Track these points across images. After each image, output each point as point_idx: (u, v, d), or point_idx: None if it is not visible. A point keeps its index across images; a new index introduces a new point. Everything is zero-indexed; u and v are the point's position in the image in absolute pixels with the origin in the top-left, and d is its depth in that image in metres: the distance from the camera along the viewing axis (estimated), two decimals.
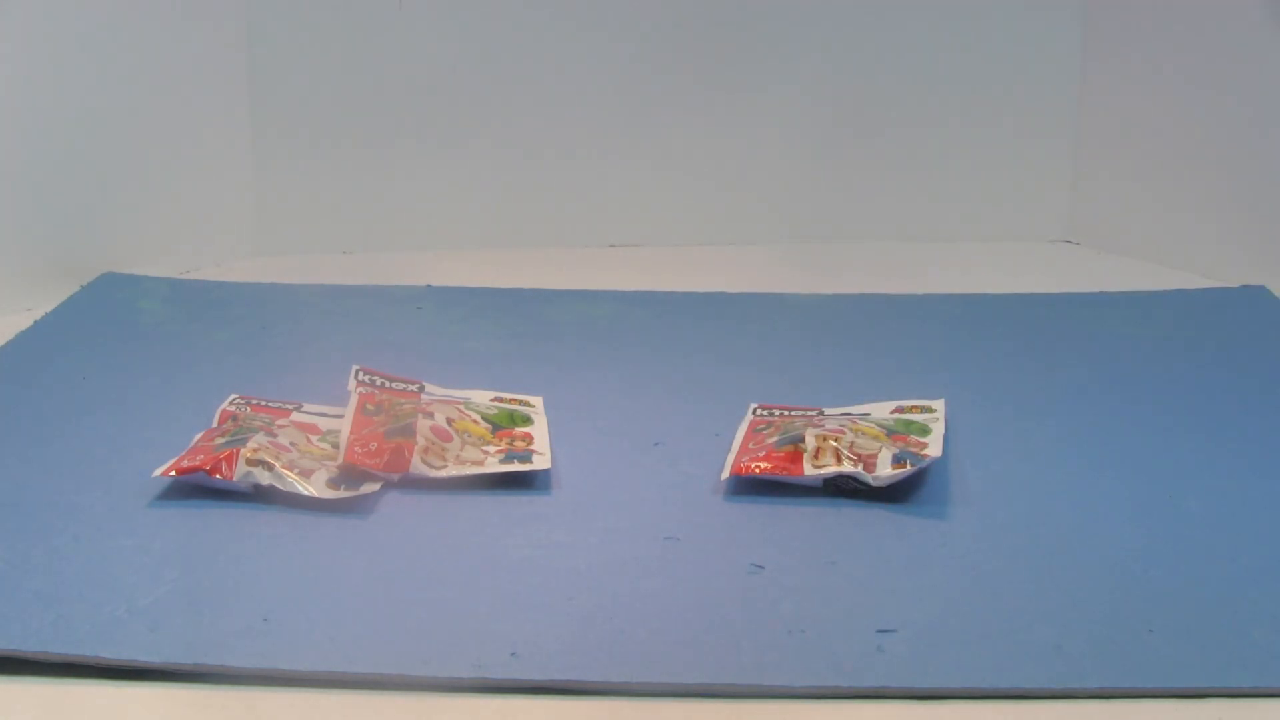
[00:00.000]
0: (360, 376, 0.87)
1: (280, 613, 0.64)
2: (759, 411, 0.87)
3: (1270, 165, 1.19)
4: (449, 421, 0.81)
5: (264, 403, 0.85)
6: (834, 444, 0.77)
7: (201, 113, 1.26)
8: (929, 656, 0.61)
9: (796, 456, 0.77)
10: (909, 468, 0.76)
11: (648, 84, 1.33)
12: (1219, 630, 0.63)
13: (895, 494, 0.76)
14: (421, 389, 0.87)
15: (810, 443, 0.77)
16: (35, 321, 1.05)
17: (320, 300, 1.13)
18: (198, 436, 0.80)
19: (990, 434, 0.85)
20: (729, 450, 0.81)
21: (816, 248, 1.35)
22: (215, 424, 0.83)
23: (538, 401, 0.88)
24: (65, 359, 0.97)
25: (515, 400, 0.88)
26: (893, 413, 0.85)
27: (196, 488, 0.75)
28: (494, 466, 0.78)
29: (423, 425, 0.79)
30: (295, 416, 0.83)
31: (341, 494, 0.75)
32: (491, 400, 0.87)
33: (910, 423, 0.82)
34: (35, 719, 0.57)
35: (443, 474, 0.77)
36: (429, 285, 1.17)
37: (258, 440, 0.77)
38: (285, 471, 0.75)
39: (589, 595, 0.66)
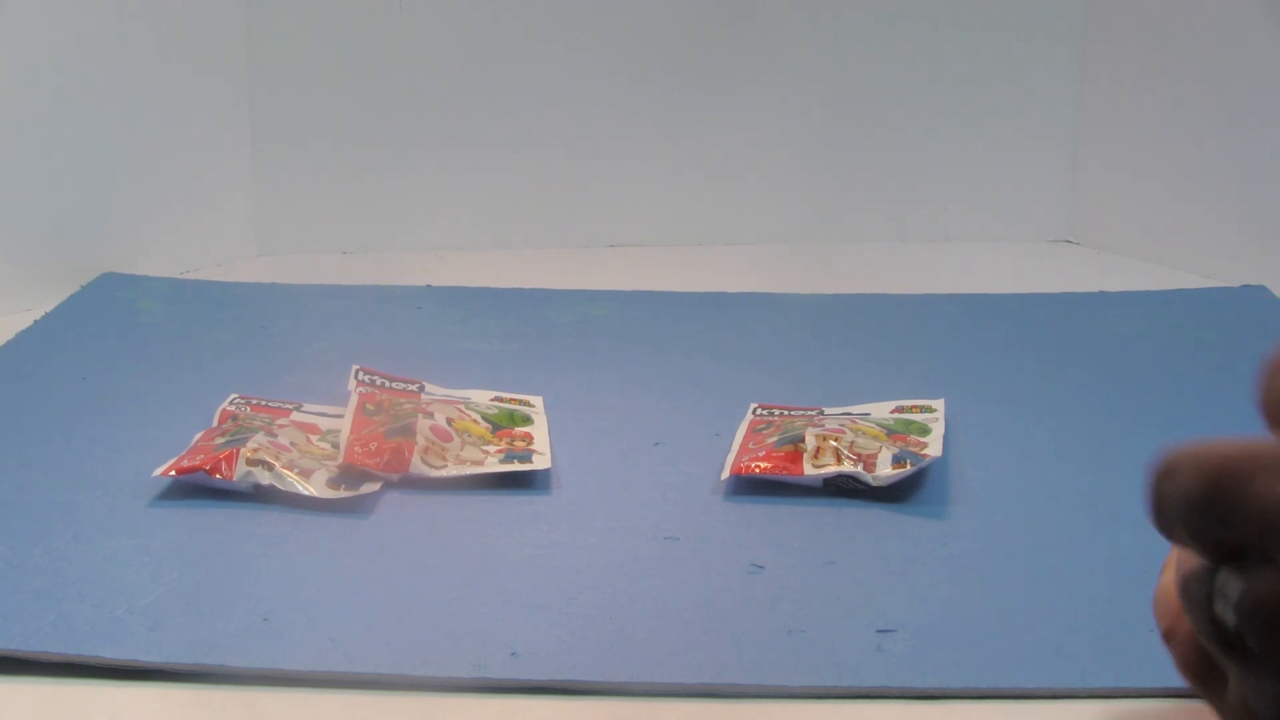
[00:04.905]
0: (360, 376, 0.87)
1: (280, 613, 0.64)
2: (759, 411, 0.86)
3: (1270, 165, 1.19)
4: (449, 421, 0.81)
5: (264, 402, 0.85)
6: (834, 444, 0.77)
7: (201, 113, 1.25)
8: (929, 656, 0.61)
9: (796, 456, 0.77)
10: (909, 468, 0.76)
11: (648, 84, 1.33)
12: None
13: (895, 494, 0.76)
14: (421, 389, 0.87)
15: (810, 442, 0.77)
16: (35, 321, 1.05)
17: (320, 300, 1.13)
18: (198, 436, 0.80)
19: (990, 434, 0.85)
20: (729, 450, 0.81)
21: (816, 248, 1.34)
22: (215, 424, 0.83)
23: (538, 401, 0.88)
24: (65, 359, 0.97)
25: (515, 400, 0.88)
26: (893, 412, 0.85)
27: (196, 488, 0.75)
28: (494, 466, 0.78)
29: (423, 425, 0.79)
30: (295, 416, 0.83)
31: (341, 494, 0.75)
32: (491, 400, 0.87)
33: (910, 422, 0.82)
34: (35, 719, 0.57)
35: (443, 474, 0.77)
36: (429, 285, 1.17)
37: (258, 440, 0.77)
38: (285, 471, 0.75)
39: (589, 595, 0.66)
